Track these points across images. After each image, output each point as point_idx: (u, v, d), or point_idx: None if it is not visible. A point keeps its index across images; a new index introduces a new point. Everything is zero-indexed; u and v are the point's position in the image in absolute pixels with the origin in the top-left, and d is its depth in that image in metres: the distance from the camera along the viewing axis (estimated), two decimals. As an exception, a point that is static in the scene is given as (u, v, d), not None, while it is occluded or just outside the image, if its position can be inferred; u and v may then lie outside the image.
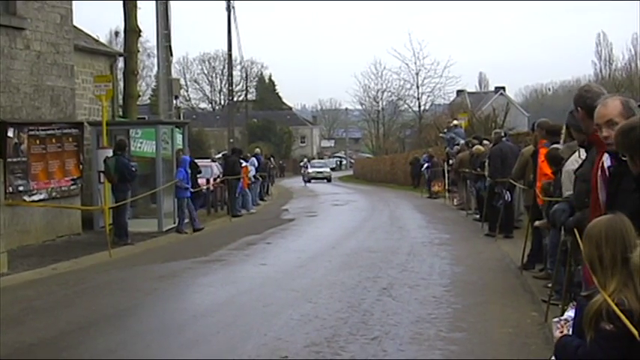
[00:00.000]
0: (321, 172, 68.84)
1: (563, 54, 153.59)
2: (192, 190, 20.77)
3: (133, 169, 18.01)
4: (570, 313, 4.34)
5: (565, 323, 4.32)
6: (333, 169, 80.00)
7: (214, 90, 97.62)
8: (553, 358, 4.19)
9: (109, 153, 18.09)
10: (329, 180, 66.27)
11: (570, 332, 4.07)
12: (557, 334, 4.15)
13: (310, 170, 67.78)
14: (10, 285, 12.42)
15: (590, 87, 6.22)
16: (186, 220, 20.76)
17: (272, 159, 46.45)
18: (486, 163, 18.35)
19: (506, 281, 12.04)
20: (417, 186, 41.32)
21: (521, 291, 11.15)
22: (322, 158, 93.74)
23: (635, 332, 3.28)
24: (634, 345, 3.41)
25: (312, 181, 63.39)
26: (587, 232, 3.88)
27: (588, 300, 3.72)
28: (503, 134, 19.13)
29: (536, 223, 11.73)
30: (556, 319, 4.24)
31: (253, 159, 30.82)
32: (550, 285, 9.68)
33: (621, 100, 5.13)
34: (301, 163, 70.81)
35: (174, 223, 21.18)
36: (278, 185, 50.97)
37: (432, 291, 11.17)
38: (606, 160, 5.17)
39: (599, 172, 5.25)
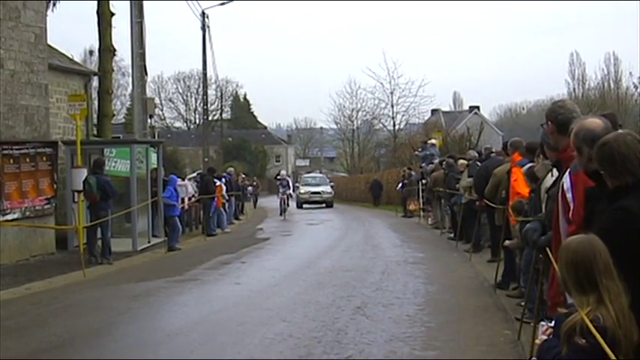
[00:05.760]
0: (318, 193, 47.45)
1: (536, 73, 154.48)
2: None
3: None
4: None
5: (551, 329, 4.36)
6: None
7: (189, 109, 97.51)
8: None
9: (84, 172, 18.02)
10: (329, 205, 46.28)
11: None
12: (542, 337, 4.21)
13: (302, 190, 47.86)
14: (-17, 305, 12.32)
15: (564, 102, 6.16)
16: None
17: (244, 177, 45.55)
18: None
19: (480, 300, 12.09)
20: (377, 205, 46.13)
21: (495, 309, 11.20)
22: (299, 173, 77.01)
23: (608, 349, 3.35)
24: None
25: (305, 206, 45.75)
26: (560, 255, 3.96)
27: (567, 317, 3.80)
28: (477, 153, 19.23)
29: (506, 242, 11.85)
30: (543, 323, 4.29)
31: (223, 178, 30.70)
32: (523, 303, 9.75)
33: (601, 120, 5.16)
34: (277, 177, 39.83)
35: (149, 242, 21.18)
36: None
37: (405, 310, 11.22)
38: (566, 181, 5.21)
39: (560, 194, 5.30)
